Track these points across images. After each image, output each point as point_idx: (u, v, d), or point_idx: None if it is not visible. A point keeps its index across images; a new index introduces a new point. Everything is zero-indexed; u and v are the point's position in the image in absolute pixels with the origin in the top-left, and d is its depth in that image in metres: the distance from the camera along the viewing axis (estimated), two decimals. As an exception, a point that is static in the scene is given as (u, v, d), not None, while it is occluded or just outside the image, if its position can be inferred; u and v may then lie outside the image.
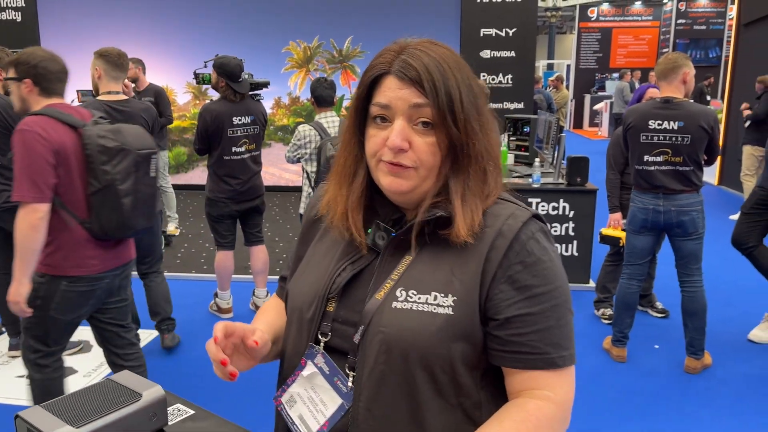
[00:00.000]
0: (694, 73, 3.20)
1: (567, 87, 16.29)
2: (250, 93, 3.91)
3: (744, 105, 7.08)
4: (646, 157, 3.20)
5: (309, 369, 0.98)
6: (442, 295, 0.89)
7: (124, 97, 3.30)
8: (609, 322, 4.00)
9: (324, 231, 1.05)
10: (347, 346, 0.94)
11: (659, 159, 3.17)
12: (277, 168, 8.30)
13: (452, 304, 0.88)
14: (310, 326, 0.98)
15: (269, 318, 1.13)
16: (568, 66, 19.04)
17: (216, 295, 4.17)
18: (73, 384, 3.25)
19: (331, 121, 3.76)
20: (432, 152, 0.90)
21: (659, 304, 4.20)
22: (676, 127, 3.12)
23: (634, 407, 3.03)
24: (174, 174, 8.12)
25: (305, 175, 3.79)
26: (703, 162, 3.19)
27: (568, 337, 0.92)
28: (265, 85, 4.06)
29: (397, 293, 0.91)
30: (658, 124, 3.15)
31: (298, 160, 3.82)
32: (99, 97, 3.25)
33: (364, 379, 0.90)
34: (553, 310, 0.90)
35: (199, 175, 8.43)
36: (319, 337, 0.97)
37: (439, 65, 0.89)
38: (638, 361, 3.51)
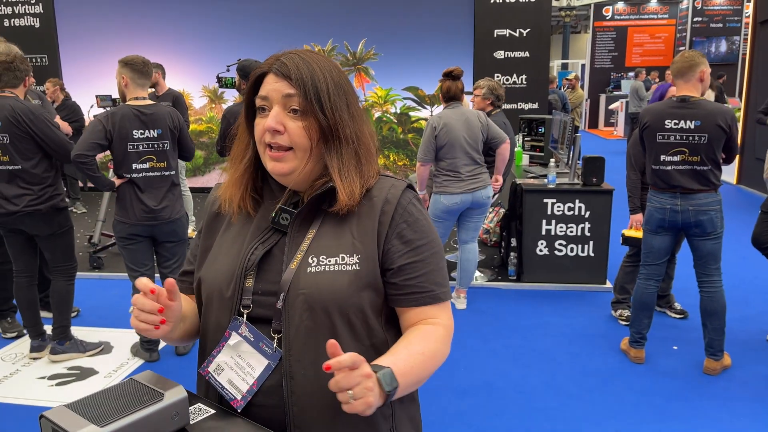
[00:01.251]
0: (710, 71, 3.17)
1: (582, 87, 16.19)
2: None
3: None
4: (662, 157, 3.17)
5: (234, 339, 1.09)
6: (348, 255, 1.07)
7: (151, 102, 3.36)
8: (626, 323, 3.96)
9: (228, 223, 1.18)
10: (269, 313, 1.08)
11: (676, 158, 3.15)
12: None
13: (357, 261, 1.07)
14: (231, 302, 1.10)
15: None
16: (583, 65, 18.91)
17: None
18: (94, 385, 3.30)
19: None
20: (303, 135, 1.06)
21: (678, 305, 4.16)
22: (693, 127, 3.09)
23: (653, 409, 3.01)
24: (191, 177, 8.20)
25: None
26: (721, 161, 3.15)
27: (444, 277, 1.14)
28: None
29: (309, 260, 1.07)
30: (675, 124, 3.12)
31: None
32: (127, 103, 3.31)
33: (291, 337, 1.05)
34: (432, 257, 1.12)
35: (215, 178, 8.50)
36: (242, 309, 1.10)
37: (308, 64, 1.08)
38: (656, 363, 3.49)
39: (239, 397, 1.09)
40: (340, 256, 1.07)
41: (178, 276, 1.27)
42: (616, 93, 16.73)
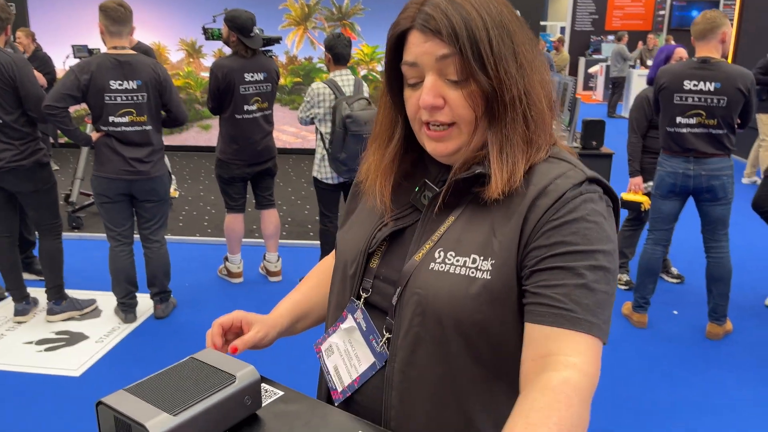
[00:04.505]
0: (731, 32, 3.08)
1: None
2: (262, 49, 3.73)
3: None
4: (678, 119, 3.10)
5: (348, 322, 0.97)
6: (482, 258, 0.83)
7: (131, 51, 3.13)
8: (626, 288, 3.96)
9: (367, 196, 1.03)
10: (386, 305, 0.92)
11: (692, 121, 3.08)
12: (275, 130, 8.09)
13: (490, 268, 0.83)
14: (352, 281, 0.97)
15: (303, 291, 1.16)
16: (563, 28, 18.74)
17: (226, 259, 4.05)
18: (85, 350, 3.15)
19: (346, 79, 3.60)
20: (467, 105, 0.84)
21: (675, 270, 4.16)
22: (712, 89, 3.01)
23: (660, 374, 3.01)
24: (168, 135, 7.88)
25: (319, 136, 3.64)
26: (736, 125, 3.10)
27: (601, 307, 0.78)
28: (277, 40, 3.88)
29: (436, 254, 0.87)
30: (694, 85, 3.04)
31: (312, 121, 3.66)
32: (105, 51, 3.09)
33: (399, 341, 0.88)
34: (589, 269, 0.78)
35: (194, 136, 8.21)
36: (361, 292, 0.96)
37: (460, 7, 0.82)
38: (659, 327, 3.49)
39: (339, 389, 0.97)
40: (472, 257, 0.84)
41: None
42: (595, 56, 16.66)
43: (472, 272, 0.83)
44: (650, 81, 3.86)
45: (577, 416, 0.71)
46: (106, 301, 3.66)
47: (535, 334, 0.79)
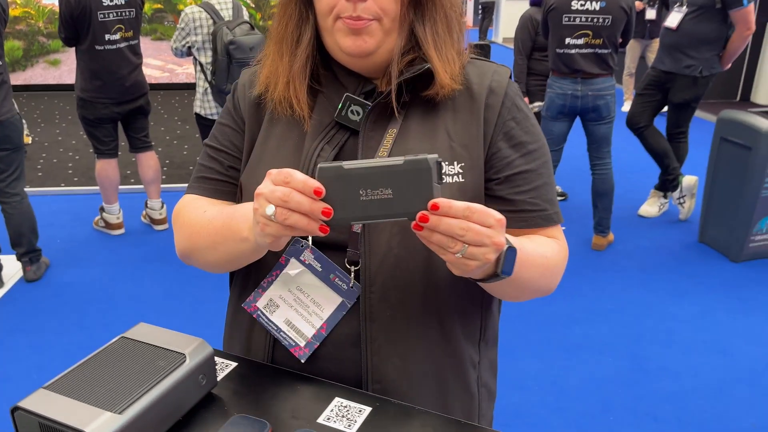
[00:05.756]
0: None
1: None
2: (122, -32, 3.27)
3: (638, 4, 7.17)
4: (567, 40, 3.15)
5: (294, 267, 0.85)
6: (447, 162, 0.83)
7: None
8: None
9: (272, 114, 0.90)
10: (342, 238, 0.83)
11: (580, 42, 3.14)
12: (136, 63, 7.36)
13: (460, 170, 0.83)
14: None
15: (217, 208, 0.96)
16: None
17: (102, 209, 3.67)
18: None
19: (223, 2, 3.27)
20: None
21: (558, 188, 4.37)
22: (597, 8, 3.07)
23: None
24: (9, 73, 6.93)
25: (199, 68, 3.31)
26: (618, 44, 3.21)
27: (555, 195, 0.91)
28: (137, -42, 3.41)
29: None
30: (581, 5, 3.09)
31: (189, 51, 3.31)
32: None
33: (374, 269, 0.81)
34: (544, 166, 0.88)
35: (40, 73, 7.27)
36: None
37: None
38: (550, 243, 3.66)
39: (302, 344, 0.84)
40: None
41: (191, 182, 0.94)
42: (462, -19, 16.73)
43: (443, 178, 0.82)
44: (534, 2, 3.89)
45: (558, 267, 0.87)
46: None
47: (520, 234, 0.86)
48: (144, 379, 0.69)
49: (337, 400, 0.78)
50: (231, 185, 0.91)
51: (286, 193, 0.65)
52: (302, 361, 0.84)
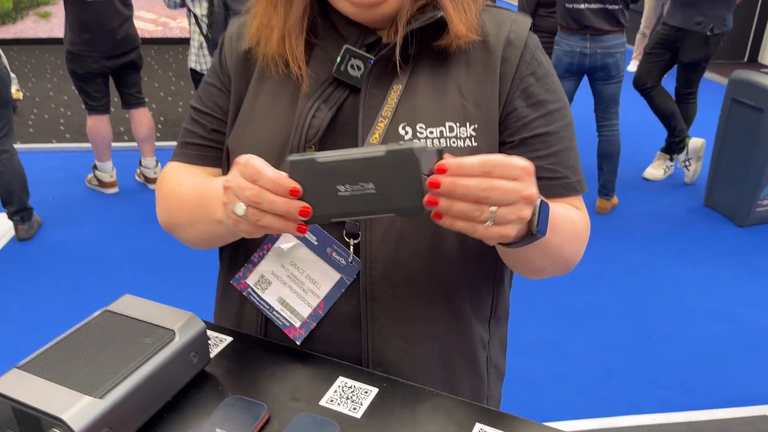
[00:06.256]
0: None
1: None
2: None
3: None
4: (577, -5, 3.02)
5: (286, 241, 0.78)
6: (458, 124, 0.74)
7: None
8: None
9: (262, 70, 0.80)
10: None
11: (590, -4, 3.01)
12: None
13: (473, 133, 0.74)
14: None
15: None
16: None
17: (95, 167, 3.58)
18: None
19: (217, -49, 3.11)
20: None
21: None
22: (609, -39, 2.94)
23: (559, 251, 3.12)
24: (-3, 25, 6.72)
25: (193, 20, 3.17)
26: (630, 0, 3.08)
27: (578, 161, 0.81)
28: None
29: (401, 131, 0.73)
30: (592, -42, 2.95)
31: (182, 3, 3.17)
32: None
33: (376, 243, 0.74)
34: (566, 129, 0.79)
35: (31, 26, 7.06)
36: None
37: None
38: (552, 206, 3.60)
39: (298, 324, 0.77)
40: (447, 125, 0.73)
41: (176, 147, 0.85)
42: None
43: (453, 141, 0.73)
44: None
45: (583, 237, 0.78)
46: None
47: None
48: (129, 358, 0.63)
49: (341, 380, 0.72)
50: (215, 150, 0.83)
51: (255, 193, 0.57)
52: (298, 342, 0.78)
